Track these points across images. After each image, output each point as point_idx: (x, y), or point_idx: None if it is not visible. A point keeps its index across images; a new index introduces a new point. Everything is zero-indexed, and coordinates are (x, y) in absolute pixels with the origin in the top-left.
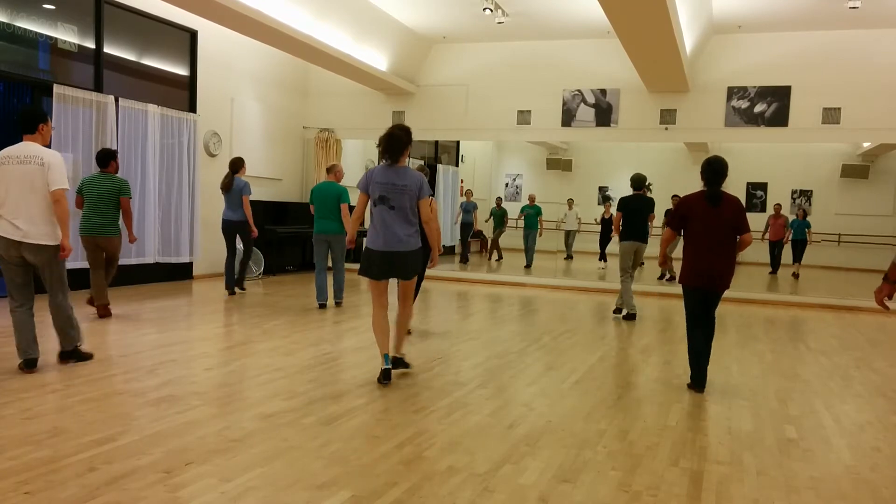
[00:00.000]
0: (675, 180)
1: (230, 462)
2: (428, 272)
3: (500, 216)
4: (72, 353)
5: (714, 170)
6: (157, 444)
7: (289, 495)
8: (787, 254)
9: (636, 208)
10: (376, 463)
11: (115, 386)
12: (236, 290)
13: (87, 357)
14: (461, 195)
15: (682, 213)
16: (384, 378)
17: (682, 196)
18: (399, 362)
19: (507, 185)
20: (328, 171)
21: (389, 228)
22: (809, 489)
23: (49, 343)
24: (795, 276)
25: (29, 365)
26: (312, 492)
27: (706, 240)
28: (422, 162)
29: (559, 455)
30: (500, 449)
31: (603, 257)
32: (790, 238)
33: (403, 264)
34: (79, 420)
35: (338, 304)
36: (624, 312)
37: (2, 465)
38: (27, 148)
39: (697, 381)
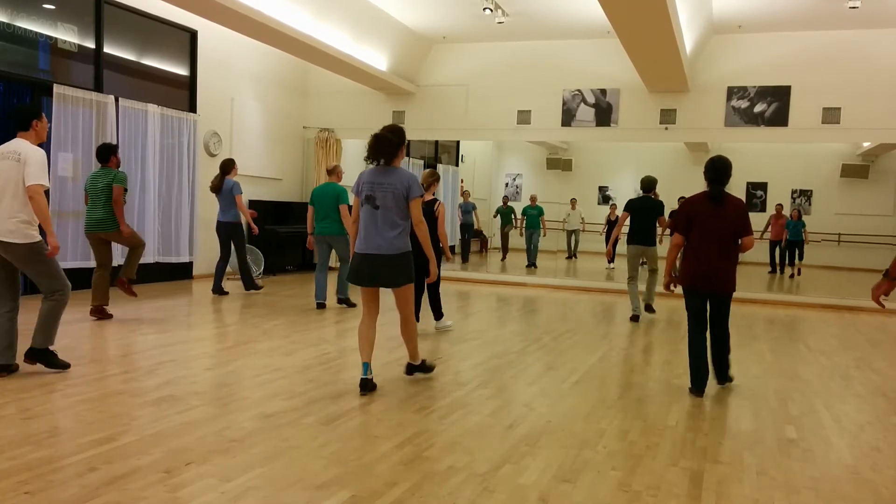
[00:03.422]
0: (675, 180)
1: (230, 462)
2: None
3: (507, 214)
4: (41, 355)
5: (716, 168)
6: (157, 444)
7: (289, 495)
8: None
9: (642, 210)
10: (376, 463)
11: (115, 386)
12: (251, 290)
13: (60, 365)
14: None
15: (688, 214)
16: (362, 388)
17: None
18: (417, 368)
19: (507, 184)
20: (329, 172)
21: (373, 229)
22: (809, 489)
23: (56, 343)
24: (793, 276)
25: None
26: (312, 492)
27: (708, 240)
28: (422, 163)
29: (559, 455)
30: (500, 449)
31: (611, 259)
32: (787, 238)
33: (387, 270)
34: (79, 420)
35: (340, 300)
36: (630, 314)
37: (2, 465)
38: (12, 144)
39: (696, 385)
